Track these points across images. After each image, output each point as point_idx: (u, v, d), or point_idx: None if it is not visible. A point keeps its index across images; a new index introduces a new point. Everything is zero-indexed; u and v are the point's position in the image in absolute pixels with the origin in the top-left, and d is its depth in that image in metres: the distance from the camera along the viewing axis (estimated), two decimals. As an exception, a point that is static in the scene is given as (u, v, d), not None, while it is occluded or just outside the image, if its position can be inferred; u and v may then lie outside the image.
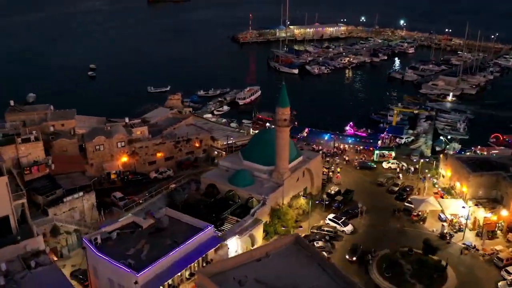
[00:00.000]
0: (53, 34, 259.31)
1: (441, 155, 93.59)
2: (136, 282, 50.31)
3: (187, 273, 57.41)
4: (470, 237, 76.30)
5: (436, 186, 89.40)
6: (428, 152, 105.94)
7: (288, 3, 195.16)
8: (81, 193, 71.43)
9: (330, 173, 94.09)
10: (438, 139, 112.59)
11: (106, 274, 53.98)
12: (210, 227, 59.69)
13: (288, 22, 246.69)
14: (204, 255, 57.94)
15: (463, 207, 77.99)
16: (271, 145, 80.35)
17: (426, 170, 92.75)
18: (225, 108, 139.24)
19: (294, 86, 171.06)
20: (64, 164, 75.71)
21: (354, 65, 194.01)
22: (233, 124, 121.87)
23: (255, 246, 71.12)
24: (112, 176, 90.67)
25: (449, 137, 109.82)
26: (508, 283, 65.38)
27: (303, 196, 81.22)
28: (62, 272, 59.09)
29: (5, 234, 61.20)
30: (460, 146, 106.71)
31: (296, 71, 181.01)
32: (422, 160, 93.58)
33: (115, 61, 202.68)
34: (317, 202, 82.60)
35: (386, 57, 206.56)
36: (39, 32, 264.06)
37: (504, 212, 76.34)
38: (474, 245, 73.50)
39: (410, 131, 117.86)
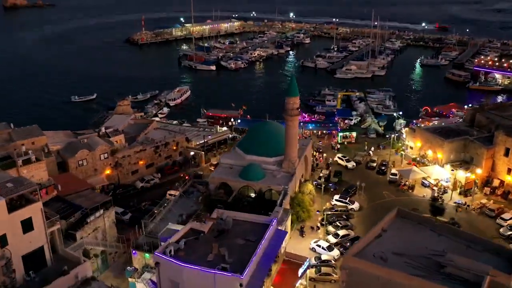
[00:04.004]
0: None
1: (406, 129, 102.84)
2: (241, 285, 48.55)
3: (264, 269, 56.56)
4: (455, 196, 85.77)
5: (412, 156, 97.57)
6: (381, 129, 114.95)
7: (192, 3, 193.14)
8: (101, 211, 65.20)
9: (315, 158, 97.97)
10: (382, 115, 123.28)
11: (195, 286, 50.86)
12: (274, 220, 59.36)
13: (183, 20, 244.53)
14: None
15: (452, 170, 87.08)
16: (272, 137, 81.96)
17: (400, 144, 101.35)
18: (165, 110, 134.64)
19: (216, 82, 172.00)
20: (68, 184, 68.01)
21: (264, 57, 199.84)
22: (186, 124, 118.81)
23: (286, 236, 72.21)
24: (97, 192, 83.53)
25: (401, 113, 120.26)
26: (508, 228, 75.39)
27: (315, 181, 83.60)
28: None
29: (40, 267, 54.38)
30: (405, 121, 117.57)
31: (213, 67, 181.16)
32: (393, 135, 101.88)
33: (8, 74, 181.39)
34: (330, 185, 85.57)
35: (289, 48, 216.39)
36: None
37: (478, 171, 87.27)
38: (465, 202, 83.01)
39: (354, 112, 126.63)
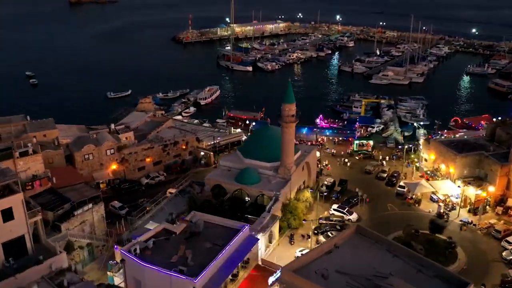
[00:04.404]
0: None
1: (422, 140, 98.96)
2: (194, 289, 49.12)
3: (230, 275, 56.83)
4: (463, 214, 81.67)
5: (425, 169, 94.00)
6: (401, 139, 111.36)
7: (233, 2, 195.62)
8: (90, 205, 67.75)
9: (321, 166, 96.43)
10: (408, 125, 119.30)
11: (155, 285, 51.97)
12: (247, 227, 59.40)
13: (229, 21, 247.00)
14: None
15: (459, 186, 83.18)
16: (273, 142, 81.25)
17: (412, 155, 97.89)
18: (192, 109, 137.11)
19: (250, 83, 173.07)
20: (62, 177, 71.18)
21: (302, 60, 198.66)
22: (206, 124, 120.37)
23: (273, 242, 71.90)
24: (102, 186, 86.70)
25: (422, 123, 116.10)
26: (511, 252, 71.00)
27: (310, 189, 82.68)
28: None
29: (21, 255, 57.29)
30: (427, 131, 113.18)
31: (250, 68, 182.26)
32: (406, 147, 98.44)
33: (54, 68, 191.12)
34: (325, 194, 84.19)
35: (330, 51, 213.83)
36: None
37: (491, 188, 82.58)
38: (471, 220, 78.88)
39: (378, 120, 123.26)
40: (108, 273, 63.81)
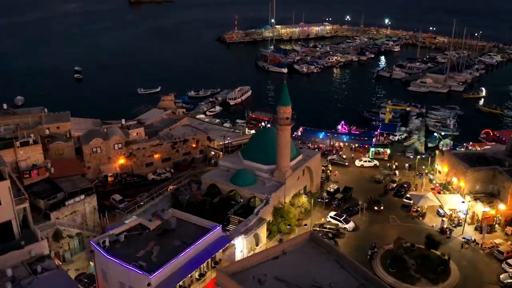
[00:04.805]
0: (33, 37, 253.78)
1: (437, 152, 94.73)
2: (149, 284, 49.87)
3: (197, 274, 57.26)
4: (469, 231, 77.43)
5: (434, 182, 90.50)
6: (421, 149, 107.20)
7: (275, 3, 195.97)
8: (82, 196, 70.44)
9: (328, 171, 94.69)
10: (432, 135, 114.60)
11: (117, 277, 53.36)
12: (218, 227, 59.54)
13: (274, 22, 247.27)
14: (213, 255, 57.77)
15: (463, 201, 79.25)
16: (272, 144, 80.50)
17: (423, 167, 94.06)
18: (217, 108, 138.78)
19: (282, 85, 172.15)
20: (63, 167, 74.51)
21: (342, 63, 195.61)
22: (227, 124, 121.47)
23: (259, 245, 71.47)
24: (109, 179, 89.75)
25: (443, 133, 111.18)
26: (510, 275, 66.49)
27: (305, 194, 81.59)
28: (69, 276, 58.66)
29: (8, 240, 60.36)
30: (452, 142, 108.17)
31: (285, 70, 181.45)
32: (418, 157, 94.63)
33: (101, 63, 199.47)
34: (319, 200, 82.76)
35: (373, 56, 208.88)
36: (19, 36, 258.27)
37: (501, 206, 77.71)
38: (474, 239, 74.62)
39: (403, 128, 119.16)
40: (91, 262, 66.00)
